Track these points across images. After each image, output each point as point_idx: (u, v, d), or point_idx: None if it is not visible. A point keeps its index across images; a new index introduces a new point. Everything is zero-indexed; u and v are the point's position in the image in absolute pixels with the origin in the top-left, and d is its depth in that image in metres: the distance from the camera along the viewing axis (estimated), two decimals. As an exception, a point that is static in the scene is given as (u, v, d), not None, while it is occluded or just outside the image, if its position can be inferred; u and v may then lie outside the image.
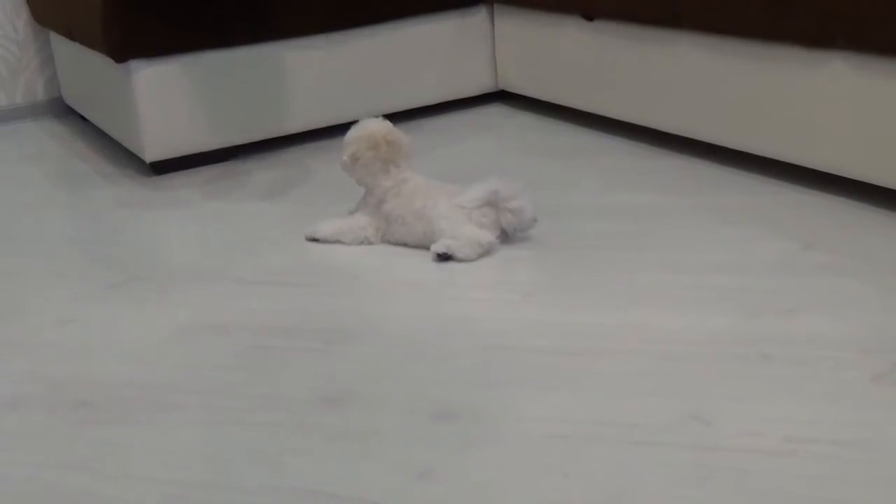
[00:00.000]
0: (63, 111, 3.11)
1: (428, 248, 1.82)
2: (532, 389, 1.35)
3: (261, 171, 2.38)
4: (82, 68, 2.72)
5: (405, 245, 1.87)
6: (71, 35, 2.60)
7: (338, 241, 1.91)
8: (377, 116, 1.96)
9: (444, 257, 1.77)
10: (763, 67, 1.99)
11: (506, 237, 1.83)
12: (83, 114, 2.90)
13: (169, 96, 2.35)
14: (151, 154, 2.38)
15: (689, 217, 1.90)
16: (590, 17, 2.38)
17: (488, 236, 1.79)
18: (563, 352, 1.44)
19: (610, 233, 1.86)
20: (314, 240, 1.92)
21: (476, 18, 2.74)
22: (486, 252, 1.79)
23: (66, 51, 2.84)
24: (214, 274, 1.82)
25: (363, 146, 1.88)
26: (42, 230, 2.12)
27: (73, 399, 1.41)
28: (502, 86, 2.80)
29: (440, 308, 1.63)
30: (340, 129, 2.46)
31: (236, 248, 1.93)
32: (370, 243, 1.90)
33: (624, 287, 1.63)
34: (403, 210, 1.87)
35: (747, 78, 2.03)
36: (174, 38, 2.31)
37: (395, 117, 2.48)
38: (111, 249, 1.99)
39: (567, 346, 1.46)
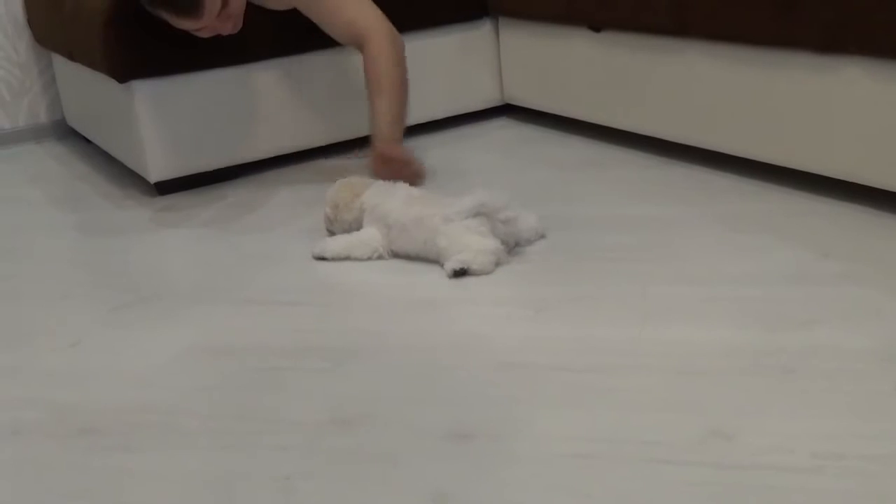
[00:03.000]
0: (66, 133, 3.09)
1: (431, 259, 1.79)
2: (549, 407, 1.31)
3: (267, 190, 2.35)
4: (84, 89, 2.71)
5: (407, 256, 1.85)
6: (72, 56, 2.58)
7: (347, 258, 1.88)
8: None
9: (460, 273, 1.73)
10: (773, 74, 1.96)
11: (509, 250, 1.80)
12: (87, 136, 2.88)
13: (172, 116, 2.33)
14: (155, 174, 2.36)
15: (702, 227, 1.87)
16: (597, 28, 2.35)
17: (494, 242, 1.76)
18: (579, 368, 1.41)
19: (622, 245, 1.83)
20: (322, 259, 1.89)
21: (480, 32, 2.72)
22: (498, 259, 1.76)
23: (68, 72, 2.83)
24: (221, 295, 1.79)
25: (343, 194, 1.93)
26: (44, 252, 2.09)
27: (77, 425, 1.37)
28: (508, 99, 2.77)
29: (452, 325, 1.59)
30: (348, 145, 2.45)
31: (242, 269, 1.90)
32: (381, 256, 1.86)
33: (638, 300, 1.60)
34: (401, 215, 1.84)
35: (757, 85, 2.00)
36: (177, 57, 2.29)
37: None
38: (115, 271, 1.96)
39: (583, 363, 1.42)
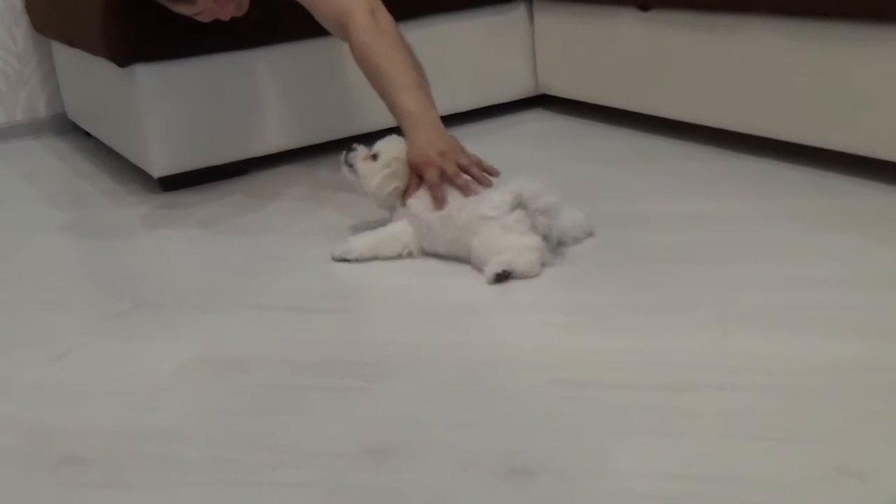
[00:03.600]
0: (66, 128, 2.89)
1: (461, 259, 1.58)
2: (620, 435, 1.09)
3: (279, 187, 2.13)
4: (85, 79, 2.50)
5: (436, 254, 1.63)
6: (72, 42, 2.37)
7: (375, 258, 1.66)
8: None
9: (502, 277, 1.51)
10: (856, 54, 1.73)
11: (552, 248, 1.57)
12: (88, 130, 2.67)
13: (178, 105, 2.12)
14: (159, 168, 2.15)
15: (778, 224, 1.64)
16: (645, 6, 2.13)
17: (535, 239, 1.53)
18: (654, 386, 1.18)
19: (687, 244, 1.60)
20: (344, 261, 1.67)
21: (513, 16, 2.49)
22: (542, 259, 1.54)
23: (69, 61, 2.62)
24: (229, 300, 1.57)
25: (401, 152, 1.69)
26: (36, 253, 1.88)
27: (57, 454, 1.15)
28: (543, 89, 2.55)
29: (496, 335, 1.37)
30: (368, 138, 2.21)
31: (254, 271, 1.68)
32: (411, 254, 1.65)
33: (715, 307, 1.37)
34: (427, 210, 1.63)
35: (836, 67, 1.77)
36: (183, 38, 2.07)
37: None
38: (112, 274, 1.75)
39: (658, 379, 1.19)
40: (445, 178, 1.63)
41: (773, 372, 1.18)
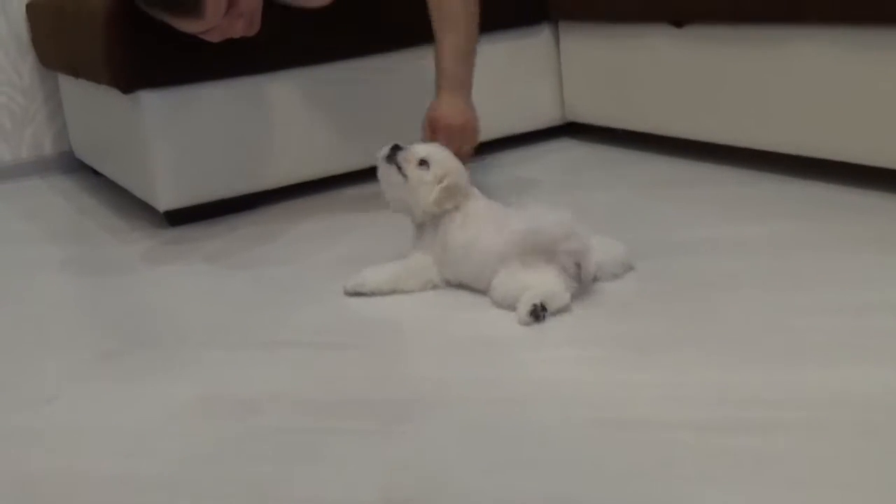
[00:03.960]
0: (73, 166, 2.77)
1: (481, 292, 1.45)
2: (685, 482, 0.94)
3: (290, 221, 2.00)
4: (91, 111, 2.39)
5: (461, 284, 1.49)
6: (77, 72, 2.27)
7: (394, 291, 1.52)
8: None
9: (537, 312, 1.34)
10: (912, 62, 1.60)
11: (580, 285, 1.40)
12: (95, 167, 2.56)
13: (185, 134, 2.00)
14: (165, 202, 2.02)
15: (834, 248, 1.50)
16: (679, 22, 2.01)
17: (556, 279, 1.37)
18: (718, 426, 1.03)
19: (736, 270, 1.46)
20: (358, 294, 1.53)
21: (537, 38, 2.38)
22: (567, 287, 1.37)
23: (75, 95, 2.52)
24: (235, 337, 1.44)
25: (455, 174, 1.53)
26: (33, 292, 1.76)
27: (41, 502, 1.02)
28: (571, 117, 2.42)
29: (528, 371, 1.23)
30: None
31: (264, 306, 1.55)
32: (435, 286, 1.51)
33: (769, 336, 1.22)
34: (456, 239, 1.49)
35: (893, 79, 1.63)
36: (189, 64, 1.96)
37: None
38: (111, 312, 1.62)
39: (722, 418, 1.04)
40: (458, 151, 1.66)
41: (857, 406, 1.03)
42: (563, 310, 1.36)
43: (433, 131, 1.74)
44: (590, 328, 1.33)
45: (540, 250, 1.37)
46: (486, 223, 1.48)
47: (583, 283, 1.40)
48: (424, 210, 1.52)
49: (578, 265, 1.37)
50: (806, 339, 1.20)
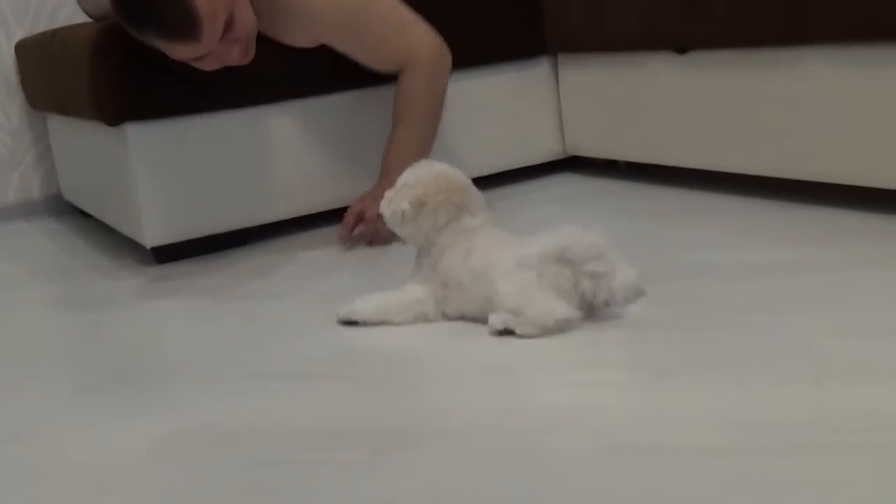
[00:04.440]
0: (62, 209, 2.70)
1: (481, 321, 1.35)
2: (710, 509, 0.84)
3: (282, 257, 1.92)
4: (79, 149, 2.32)
5: (463, 317, 1.40)
6: (64, 109, 2.21)
7: (383, 322, 1.43)
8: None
9: (503, 332, 1.30)
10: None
11: (590, 310, 1.33)
12: (83, 208, 2.48)
13: (173, 168, 1.93)
14: (152, 238, 1.94)
15: (856, 271, 1.42)
16: (682, 48, 1.95)
17: (563, 309, 1.29)
18: (744, 450, 0.94)
19: (754, 294, 1.37)
20: (351, 322, 1.44)
21: (536, 72, 2.32)
22: (558, 329, 1.30)
23: (63, 135, 2.45)
24: (220, 370, 1.34)
25: (432, 188, 1.42)
26: (13, 327, 1.67)
27: (-9, 549, 0.92)
28: (572, 150, 2.35)
29: (536, 397, 1.13)
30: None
31: (251, 340, 1.46)
32: (428, 320, 1.42)
33: (796, 358, 1.13)
34: (461, 271, 1.39)
35: (907, 94, 1.57)
36: (177, 96, 1.89)
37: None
38: (93, 347, 1.53)
39: (748, 442, 0.95)
40: (360, 218, 1.87)
41: (889, 430, 0.94)
42: (529, 337, 1.29)
43: (357, 221, 1.87)
44: (602, 352, 1.25)
45: (565, 266, 1.30)
46: (499, 250, 1.39)
47: (594, 307, 1.31)
48: (410, 234, 1.45)
49: (595, 293, 1.29)
50: (829, 361, 1.11)
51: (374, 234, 1.87)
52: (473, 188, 1.47)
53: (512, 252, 1.35)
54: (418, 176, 1.45)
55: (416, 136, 1.93)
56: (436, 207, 1.41)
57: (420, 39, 1.94)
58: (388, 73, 1.97)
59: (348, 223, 1.87)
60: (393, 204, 1.44)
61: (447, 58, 1.96)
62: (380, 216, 1.52)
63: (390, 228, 1.49)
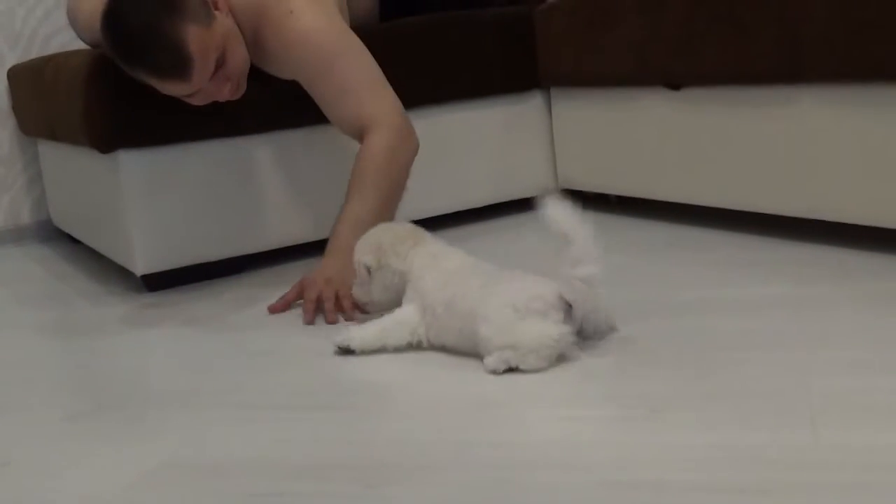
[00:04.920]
0: (51, 235, 2.69)
1: (471, 353, 1.34)
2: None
3: (274, 286, 1.90)
4: (70, 175, 2.32)
5: (444, 348, 1.40)
6: (55, 135, 2.20)
7: (382, 349, 1.42)
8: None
9: (499, 373, 1.29)
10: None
11: (580, 341, 1.32)
12: (73, 234, 2.47)
13: (165, 196, 1.92)
14: (143, 265, 1.93)
15: (852, 309, 1.42)
16: (676, 85, 1.96)
17: (555, 328, 1.28)
18: (737, 488, 0.93)
19: (748, 331, 1.37)
20: (348, 351, 1.44)
21: (529, 105, 2.33)
22: (558, 351, 1.29)
23: (54, 161, 2.45)
24: (210, 399, 1.33)
25: (383, 236, 1.50)
26: (0, 353, 1.65)
27: (-26, 580, 0.90)
28: (564, 184, 2.35)
29: (527, 432, 1.13)
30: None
31: (241, 369, 1.45)
32: (420, 342, 1.41)
33: (791, 396, 1.13)
34: (434, 298, 1.39)
35: (898, 134, 1.58)
36: (171, 124, 1.89)
37: (431, 222, 2.04)
38: (80, 375, 1.51)
39: (745, 480, 0.94)
40: (319, 301, 1.64)
41: (890, 469, 0.93)
42: (538, 369, 1.28)
43: (300, 289, 1.70)
44: (594, 387, 1.24)
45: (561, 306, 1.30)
46: (467, 279, 1.39)
47: (593, 330, 1.33)
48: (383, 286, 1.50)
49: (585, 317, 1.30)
50: (824, 399, 1.11)
51: (335, 310, 1.65)
52: (420, 228, 1.53)
53: (480, 286, 1.35)
54: (365, 237, 1.52)
55: (372, 206, 1.74)
56: (392, 244, 1.46)
57: (385, 107, 1.84)
58: (348, 134, 1.89)
59: (308, 311, 1.64)
60: (357, 268, 1.51)
61: (412, 135, 1.85)
62: (339, 297, 1.62)
63: (359, 298, 1.54)
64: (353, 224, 1.70)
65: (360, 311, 1.61)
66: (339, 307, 1.63)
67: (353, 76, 1.84)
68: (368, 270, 1.49)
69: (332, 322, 1.60)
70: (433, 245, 1.49)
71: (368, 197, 1.76)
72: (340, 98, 1.85)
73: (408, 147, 1.84)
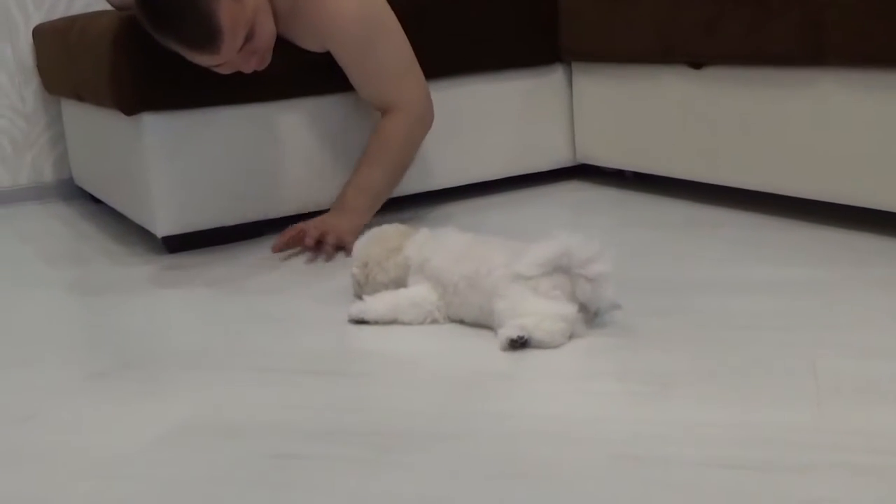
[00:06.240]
0: (73, 193, 2.73)
1: (489, 327, 1.36)
2: (707, 522, 0.86)
3: (294, 251, 1.94)
4: (93, 135, 2.34)
5: (462, 322, 1.42)
6: (80, 95, 2.22)
7: (395, 321, 1.45)
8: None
9: (518, 343, 1.29)
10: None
11: (586, 315, 1.35)
12: (95, 194, 2.50)
13: (187, 160, 1.94)
14: (164, 227, 1.96)
15: (864, 292, 1.43)
16: (697, 63, 1.96)
17: (568, 308, 1.32)
18: (744, 465, 0.95)
19: (759, 311, 1.39)
20: (362, 322, 1.46)
21: (550, 79, 2.33)
22: (568, 331, 1.31)
23: (78, 120, 2.47)
24: (228, 361, 1.36)
25: (368, 246, 1.54)
26: (20, 312, 1.69)
27: (1, 529, 0.94)
28: (582, 159, 2.37)
29: (537, 405, 1.15)
30: (389, 203, 2.04)
31: (258, 332, 1.48)
32: (435, 321, 1.44)
33: (806, 376, 1.15)
34: (453, 273, 1.41)
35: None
36: (195, 88, 1.91)
37: (449, 194, 2.07)
38: (100, 333, 1.55)
39: (753, 457, 0.97)
40: (302, 236, 1.86)
41: (872, 449, 0.96)
42: (550, 346, 1.29)
43: (296, 238, 1.86)
44: (605, 363, 1.26)
45: (561, 274, 1.32)
46: (490, 254, 1.41)
47: (590, 311, 1.34)
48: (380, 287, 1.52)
49: (593, 296, 1.31)
50: (831, 381, 1.13)
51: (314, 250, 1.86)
52: (409, 228, 1.57)
53: (504, 263, 1.37)
54: (356, 248, 1.56)
55: (380, 178, 1.93)
56: (379, 260, 1.51)
57: (414, 91, 1.96)
58: (372, 106, 2.00)
59: (284, 236, 1.86)
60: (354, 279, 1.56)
61: (431, 115, 1.99)
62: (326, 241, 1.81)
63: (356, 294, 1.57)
64: (360, 188, 1.90)
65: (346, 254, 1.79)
66: (326, 248, 1.83)
67: (388, 61, 1.94)
68: (357, 280, 1.55)
69: (328, 260, 1.81)
70: (422, 233, 1.52)
71: (378, 169, 1.93)
72: (373, 79, 1.95)
73: (425, 126, 1.99)
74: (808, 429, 1.02)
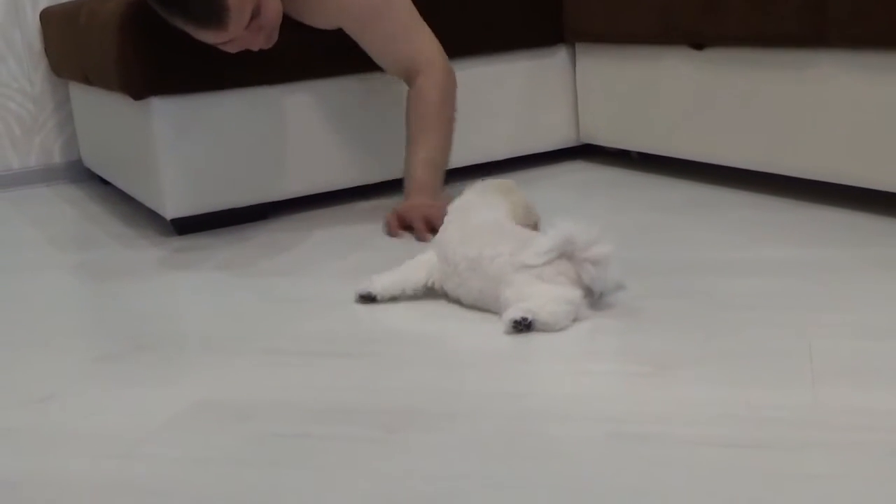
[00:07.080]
0: (82, 175, 2.76)
1: (488, 311, 1.39)
2: (709, 499, 0.89)
3: (300, 232, 1.97)
4: (101, 119, 2.37)
5: (460, 303, 1.45)
6: (88, 79, 2.25)
7: (402, 293, 1.48)
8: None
9: (521, 326, 1.32)
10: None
11: (590, 298, 1.38)
12: (104, 176, 2.53)
13: (196, 142, 1.97)
14: (173, 209, 1.99)
15: (862, 273, 1.45)
16: (699, 44, 1.98)
17: (572, 292, 1.34)
18: (740, 443, 0.98)
19: (760, 291, 1.41)
20: (370, 298, 1.49)
21: (554, 59, 2.35)
22: (572, 314, 1.34)
23: (86, 103, 2.50)
24: (237, 343, 1.39)
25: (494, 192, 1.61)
26: (32, 294, 1.72)
27: (22, 506, 0.97)
28: (586, 139, 2.39)
29: (542, 384, 1.18)
30: (394, 185, 2.07)
31: (268, 314, 1.51)
32: (434, 287, 1.47)
33: (801, 356, 1.17)
34: (456, 252, 1.44)
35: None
36: (203, 72, 1.93)
37: (454, 174, 2.09)
38: (112, 315, 1.58)
39: (747, 436, 1.00)
40: (420, 224, 1.81)
41: (889, 429, 0.98)
42: (554, 329, 1.32)
43: (401, 221, 1.85)
44: (606, 343, 1.29)
45: (563, 261, 1.35)
46: (497, 239, 1.43)
47: (602, 291, 1.37)
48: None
49: (597, 278, 1.34)
50: (828, 361, 1.15)
51: (425, 226, 1.82)
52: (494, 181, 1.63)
53: (511, 250, 1.39)
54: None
55: (437, 145, 1.93)
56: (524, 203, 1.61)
57: (430, 50, 1.96)
58: (395, 75, 2.01)
59: (393, 224, 1.86)
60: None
61: (453, 71, 1.98)
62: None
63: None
64: (425, 165, 1.90)
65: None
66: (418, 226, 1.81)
67: (399, 22, 1.96)
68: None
69: (425, 238, 1.77)
70: (467, 196, 1.58)
71: (432, 138, 1.92)
72: (389, 44, 1.97)
73: (454, 83, 1.98)
74: (804, 408, 1.05)
